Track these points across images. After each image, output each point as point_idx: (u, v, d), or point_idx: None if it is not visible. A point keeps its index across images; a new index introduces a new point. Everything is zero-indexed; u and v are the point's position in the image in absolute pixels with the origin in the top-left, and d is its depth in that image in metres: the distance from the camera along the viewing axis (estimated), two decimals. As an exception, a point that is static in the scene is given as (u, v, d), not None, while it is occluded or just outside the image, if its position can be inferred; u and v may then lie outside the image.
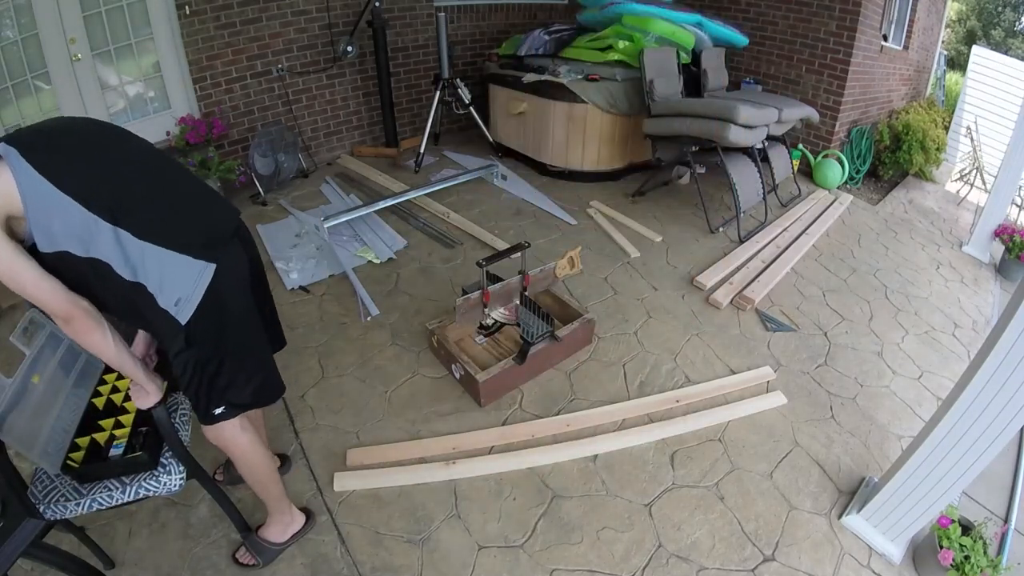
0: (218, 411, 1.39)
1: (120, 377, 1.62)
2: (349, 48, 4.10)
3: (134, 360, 1.33)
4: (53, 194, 1.10)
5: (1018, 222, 4.43)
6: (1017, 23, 14.28)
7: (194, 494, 1.82)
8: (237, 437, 1.46)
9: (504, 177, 4.14)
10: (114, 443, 1.44)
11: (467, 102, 4.39)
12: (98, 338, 1.24)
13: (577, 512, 1.89)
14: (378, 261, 3.16)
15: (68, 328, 1.21)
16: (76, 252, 1.15)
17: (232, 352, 1.36)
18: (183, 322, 1.23)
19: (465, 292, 2.42)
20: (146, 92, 3.64)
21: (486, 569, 1.71)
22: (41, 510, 1.33)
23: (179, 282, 1.22)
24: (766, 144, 3.93)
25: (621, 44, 4.10)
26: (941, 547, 1.72)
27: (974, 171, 5.31)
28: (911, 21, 5.37)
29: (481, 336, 2.56)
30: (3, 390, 1.31)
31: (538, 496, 1.93)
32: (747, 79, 4.96)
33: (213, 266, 1.24)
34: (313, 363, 2.46)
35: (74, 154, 1.17)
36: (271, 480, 1.62)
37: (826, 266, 3.53)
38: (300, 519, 1.74)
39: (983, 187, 5.26)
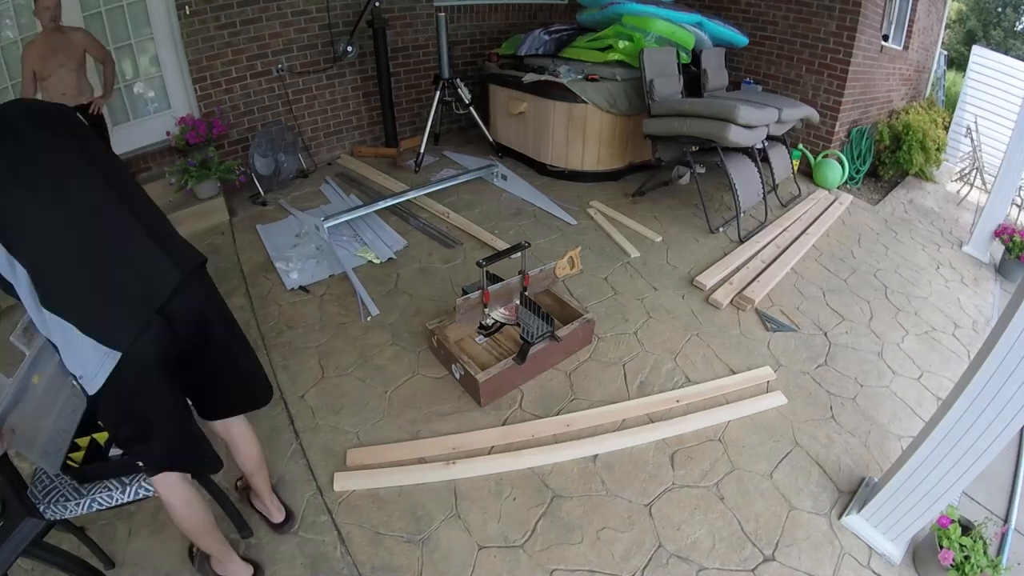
0: (141, 464, 1.35)
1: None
2: (349, 48, 4.10)
3: None
4: None
5: (1018, 222, 4.43)
6: (1017, 23, 14.27)
7: (194, 494, 1.82)
8: (167, 491, 1.36)
9: (504, 177, 4.14)
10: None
11: (467, 102, 4.39)
12: None
13: (577, 512, 1.89)
14: (378, 261, 3.17)
15: None
16: None
17: (141, 420, 1.26)
18: (89, 392, 1.15)
19: (465, 292, 2.42)
20: (146, 92, 3.64)
21: (486, 569, 1.71)
22: (41, 510, 1.33)
23: (81, 360, 1.12)
24: (766, 144, 3.93)
25: (621, 44, 4.10)
26: (941, 547, 1.72)
27: (974, 171, 5.31)
28: (911, 21, 5.36)
29: (481, 336, 2.55)
30: (3, 390, 1.31)
31: (538, 496, 1.93)
32: (747, 79, 4.96)
33: (117, 355, 1.12)
34: (313, 363, 2.46)
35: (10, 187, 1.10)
36: (202, 534, 1.48)
37: (826, 266, 3.53)
38: (243, 574, 1.59)
39: (983, 187, 5.26)
